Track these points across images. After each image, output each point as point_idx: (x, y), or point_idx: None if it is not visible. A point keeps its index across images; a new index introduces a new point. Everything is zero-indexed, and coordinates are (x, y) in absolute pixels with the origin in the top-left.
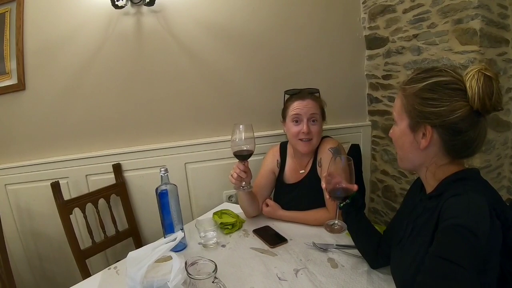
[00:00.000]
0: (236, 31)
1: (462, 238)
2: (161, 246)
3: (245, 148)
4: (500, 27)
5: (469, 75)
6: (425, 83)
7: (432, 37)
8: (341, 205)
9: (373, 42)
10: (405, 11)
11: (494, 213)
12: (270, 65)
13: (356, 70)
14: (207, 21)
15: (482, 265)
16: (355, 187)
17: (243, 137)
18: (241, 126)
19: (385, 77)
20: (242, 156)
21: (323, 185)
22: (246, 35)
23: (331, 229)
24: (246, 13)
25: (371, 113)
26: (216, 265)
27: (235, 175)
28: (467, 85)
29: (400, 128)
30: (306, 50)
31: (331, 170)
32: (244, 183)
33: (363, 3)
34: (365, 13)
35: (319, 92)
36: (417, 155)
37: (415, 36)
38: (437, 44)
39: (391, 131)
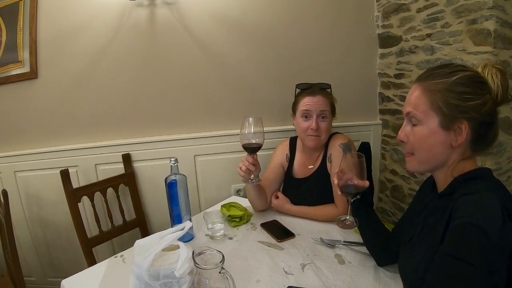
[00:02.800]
0: (249, 25)
1: (473, 237)
2: (169, 235)
3: (254, 141)
4: None
5: (487, 70)
6: (456, 77)
7: (446, 36)
8: (352, 200)
9: (386, 40)
10: (419, 10)
11: (507, 212)
12: (282, 60)
13: (368, 68)
14: (220, 14)
15: (493, 265)
16: (366, 183)
17: (252, 130)
18: (250, 119)
19: (397, 76)
20: (251, 148)
21: (335, 181)
22: (259, 29)
23: (342, 224)
24: (259, 7)
25: (382, 112)
26: (223, 256)
27: (243, 168)
28: (489, 79)
29: (429, 127)
30: (318, 46)
31: (343, 166)
32: (252, 176)
33: (377, 1)
34: (378, 11)
35: (330, 88)
36: (447, 154)
37: (428, 35)
38: (451, 44)
39: (404, 134)
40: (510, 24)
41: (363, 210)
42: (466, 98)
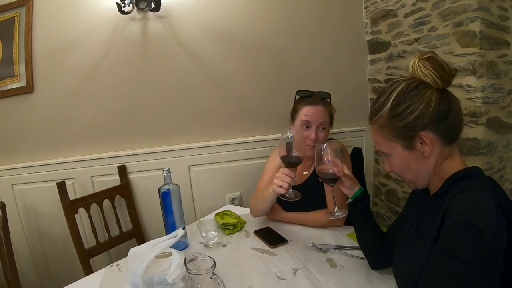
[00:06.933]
0: (239, 36)
1: (468, 235)
2: (162, 242)
3: (294, 155)
4: (501, 29)
5: (415, 68)
6: (389, 102)
7: (433, 40)
8: (347, 202)
9: (375, 46)
10: (406, 15)
11: (500, 210)
12: (273, 69)
13: (359, 75)
14: (211, 26)
15: (488, 263)
16: (341, 171)
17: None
18: (288, 131)
19: (388, 81)
20: (294, 163)
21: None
22: (249, 39)
23: (332, 216)
24: (250, 18)
25: None
26: (214, 261)
27: (286, 186)
28: (421, 76)
29: (398, 155)
30: (309, 54)
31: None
32: (290, 190)
33: (365, 8)
34: (367, 18)
35: (330, 97)
36: (427, 166)
37: (416, 40)
38: (438, 47)
39: (388, 167)
40: (496, 25)
41: (358, 213)
42: (408, 114)
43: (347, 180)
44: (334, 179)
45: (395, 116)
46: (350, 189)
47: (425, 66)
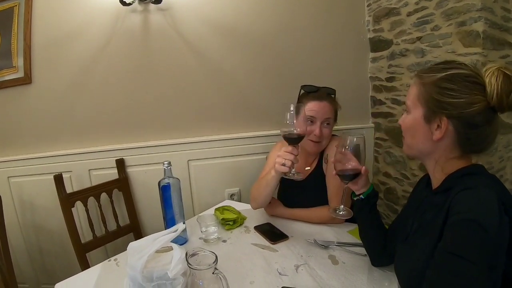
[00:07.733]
0: (241, 31)
1: (472, 233)
2: (162, 236)
3: (295, 131)
4: (503, 30)
5: (488, 72)
6: (445, 73)
7: (436, 39)
8: (355, 198)
9: (377, 44)
10: (409, 14)
11: (503, 207)
12: (274, 65)
13: (360, 72)
14: (213, 20)
15: (492, 261)
16: (363, 167)
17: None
18: (291, 106)
19: (389, 79)
20: (295, 139)
21: (331, 159)
22: (251, 35)
23: (336, 214)
24: (252, 13)
25: (374, 115)
26: (216, 257)
27: (289, 163)
28: (487, 81)
29: (414, 117)
30: (310, 51)
31: (341, 149)
32: (293, 169)
33: (367, 6)
34: (369, 16)
35: (335, 93)
36: (428, 146)
37: (419, 38)
38: (441, 47)
39: (401, 119)
40: (499, 25)
41: (366, 211)
42: (448, 95)
43: (364, 179)
44: (354, 176)
45: (438, 87)
46: (363, 187)
47: (498, 77)
